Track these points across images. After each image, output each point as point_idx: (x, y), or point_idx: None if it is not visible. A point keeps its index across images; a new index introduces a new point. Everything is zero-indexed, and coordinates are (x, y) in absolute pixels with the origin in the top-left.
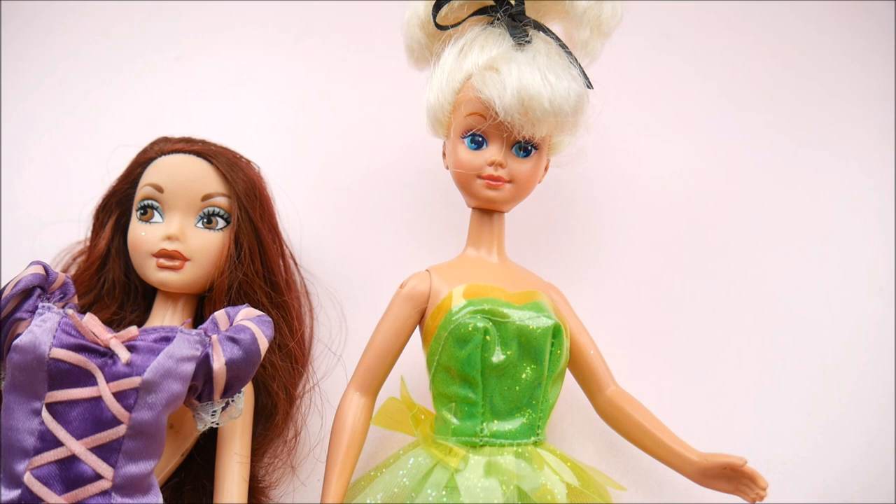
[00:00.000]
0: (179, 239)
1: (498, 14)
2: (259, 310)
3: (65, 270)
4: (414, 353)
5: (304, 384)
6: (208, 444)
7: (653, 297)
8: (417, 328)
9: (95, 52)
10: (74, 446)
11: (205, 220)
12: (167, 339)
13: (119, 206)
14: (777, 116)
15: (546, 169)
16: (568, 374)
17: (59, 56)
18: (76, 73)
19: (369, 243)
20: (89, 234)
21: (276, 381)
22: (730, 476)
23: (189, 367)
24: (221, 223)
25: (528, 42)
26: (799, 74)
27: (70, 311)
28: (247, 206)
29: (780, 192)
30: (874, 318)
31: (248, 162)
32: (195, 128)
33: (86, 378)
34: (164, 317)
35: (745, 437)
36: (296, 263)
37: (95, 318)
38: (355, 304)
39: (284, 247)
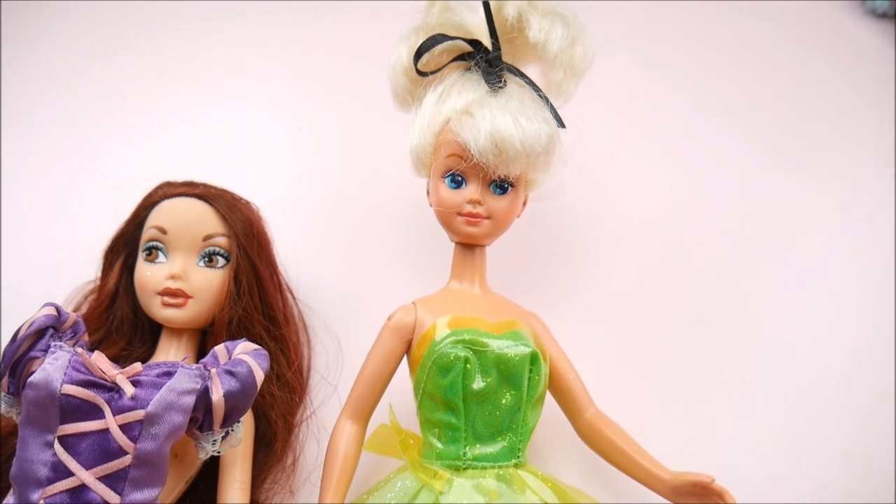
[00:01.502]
0: (182, 278)
1: (475, 60)
2: (258, 343)
3: (76, 308)
4: (403, 380)
5: (301, 413)
6: (211, 471)
7: (635, 323)
8: (405, 357)
9: (101, 97)
10: (84, 476)
11: (206, 260)
12: (169, 374)
13: (126, 247)
14: (761, 142)
15: (525, 204)
16: (551, 398)
17: (65, 104)
18: (83, 122)
19: (364, 276)
20: (99, 274)
21: (274, 410)
22: (700, 493)
23: (190, 400)
24: (222, 262)
25: (502, 87)
26: (785, 99)
27: (80, 350)
28: (245, 245)
29: (764, 217)
30: (855, 339)
31: (248, 203)
32: (198, 171)
33: (94, 412)
34: (168, 351)
35: (728, 454)
36: (294, 297)
37: (103, 355)
38: (351, 335)
39: (282, 282)
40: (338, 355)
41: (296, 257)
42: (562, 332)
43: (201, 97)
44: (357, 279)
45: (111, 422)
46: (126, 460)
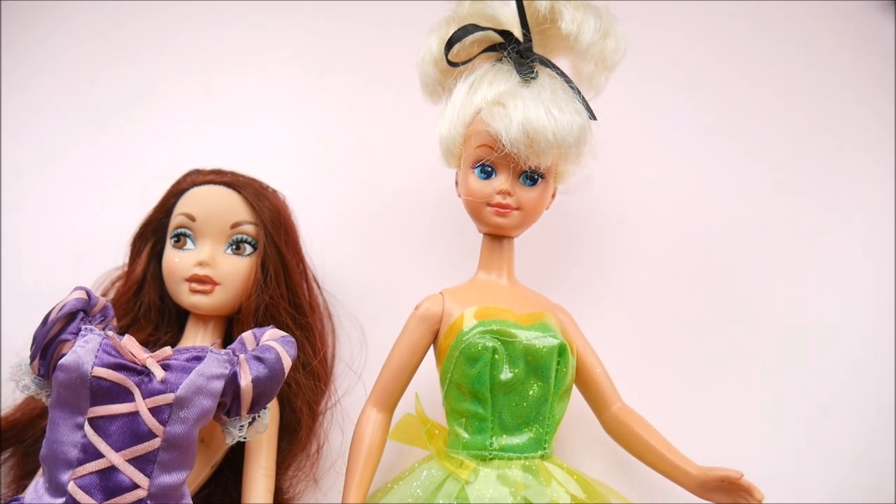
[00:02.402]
0: (210, 265)
1: (506, 51)
2: (284, 331)
3: (104, 294)
4: (429, 371)
5: (326, 401)
6: (237, 458)
7: (659, 317)
8: (431, 347)
9: (129, 88)
10: (114, 458)
11: (234, 247)
12: (199, 359)
13: (154, 234)
14: (792, 141)
15: (553, 196)
16: (577, 392)
17: (95, 93)
18: (112, 110)
19: (389, 267)
20: (127, 261)
21: (299, 397)
22: (727, 489)
23: (218, 385)
24: (249, 249)
25: (534, 78)
26: (809, 103)
27: (110, 333)
28: (272, 234)
29: (788, 217)
30: (875, 337)
31: (275, 191)
32: (225, 159)
33: (124, 394)
34: (195, 337)
35: (751, 451)
36: (319, 287)
37: (133, 339)
38: (375, 325)
39: (308, 271)
40: (362, 345)
41: (321, 247)
42: (588, 325)
43: (229, 88)
44: (381, 270)
45: (141, 405)
46: (155, 443)
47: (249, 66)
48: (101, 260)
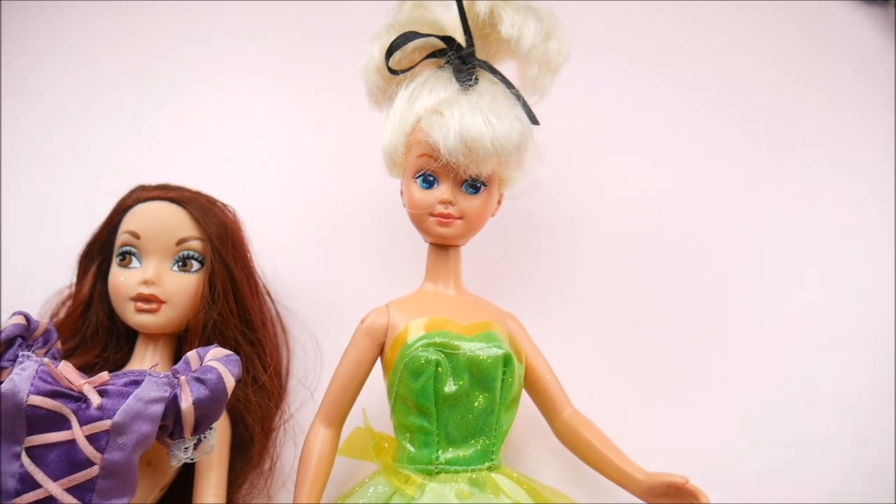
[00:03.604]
0: (156, 283)
1: (448, 57)
2: (234, 347)
3: (54, 315)
4: (381, 384)
5: (279, 417)
6: (188, 477)
7: (615, 321)
8: (379, 360)
9: (76, 99)
10: (51, 487)
11: (180, 264)
12: (137, 383)
13: (100, 252)
14: (746, 135)
15: (499, 202)
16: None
17: (41, 105)
18: (57, 122)
19: (343, 277)
20: (74, 280)
21: (251, 414)
22: (674, 493)
23: (158, 409)
24: (196, 266)
25: (474, 85)
26: (771, 89)
27: (46, 360)
28: (220, 249)
29: (748, 212)
30: (837, 336)
31: (223, 206)
32: (175, 174)
33: (61, 422)
34: (144, 356)
35: (705, 453)
36: (272, 300)
37: (70, 365)
38: (330, 336)
39: (259, 285)
40: (317, 357)
41: (273, 260)
42: (541, 331)
43: (178, 101)
44: (336, 280)
45: (77, 432)
46: (93, 471)
47: (200, 79)
48: (54, 278)
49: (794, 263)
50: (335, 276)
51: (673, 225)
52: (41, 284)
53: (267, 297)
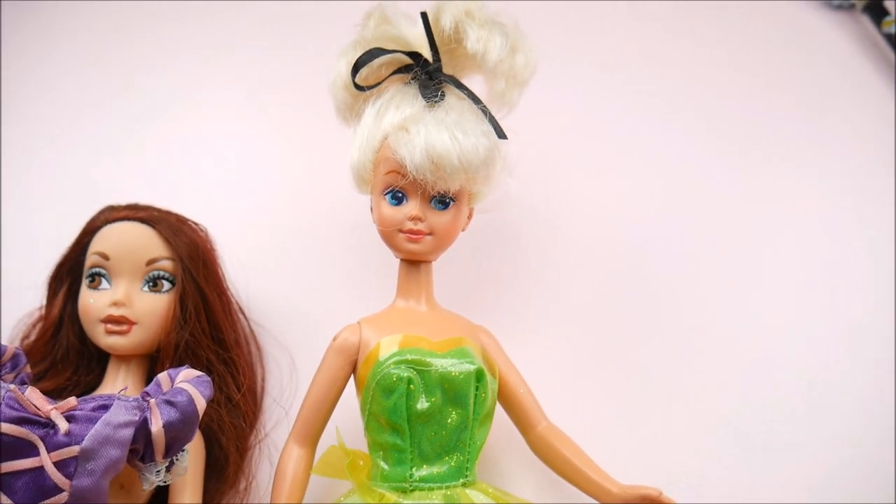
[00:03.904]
0: (126, 304)
1: (414, 72)
2: (207, 367)
3: (25, 337)
4: (355, 401)
5: (255, 436)
6: (164, 500)
7: (589, 334)
8: (352, 378)
9: (45, 123)
10: None
11: (150, 284)
12: (105, 407)
13: (70, 274)
14: (719, 143)
15: (470, 217)
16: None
17: (11, 129)
18: (26, 145)
19: (316, 294)
20: (44, 303)
21: (225, 434)
22: None
23: (127, 433)
24: (167, 286)
25: (440, 100)
26: (743, 97)
27: (13, 387)
28: (190, 268)
29: (722, 222)
30: (810, 348)
31: (194, 225)
32: (145, 194)
33: (29, 449)
34: (116, 378)
35: (681, 464)
36: (245, 318)
37: (37, 391)
38: (305, 353)
39: (232, 303)
40: (292, 374)
41: (246, 277)
42: (515, 344)
43: (146, 121)
44: (310, 297)
45: (45, 459)
46: (62, 497)
47: (168, 98)
48: (22, 300)
49: (775, 271)
50: (309, 292)
51: (648, 234)
52: (9, 308)
53: (240, 315)
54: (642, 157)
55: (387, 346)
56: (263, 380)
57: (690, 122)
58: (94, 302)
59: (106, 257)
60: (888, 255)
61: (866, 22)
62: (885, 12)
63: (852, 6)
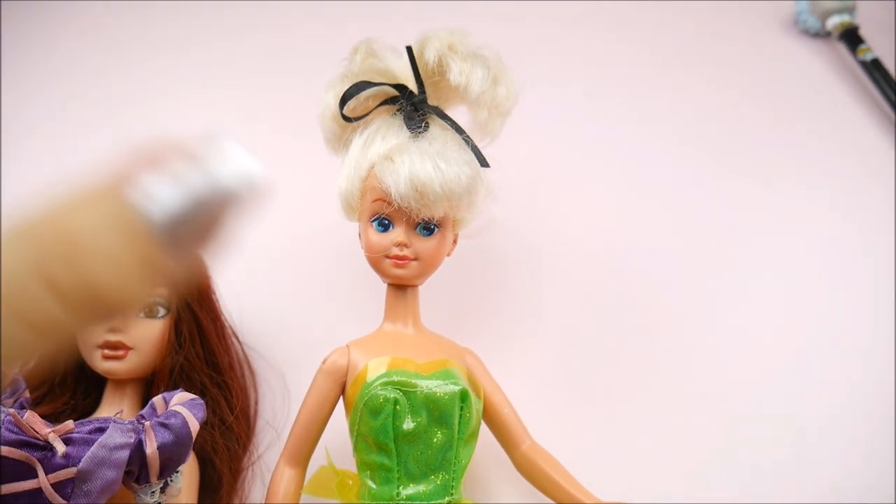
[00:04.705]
0: (122, 330)
1: (400, 104)
2: (201, 391)
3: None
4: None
5: (248, 457)
6: None
7: (576, 353)
8: (342, 399)
9: (34, 141)
10: None
11: (146, 310)
12: (101, 430)
13: None
14: (701, 165)
15: (455, 242)
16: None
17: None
18: (19, 166)
19: (308, 319)
20: None
21: (219, 456)
22: None
23: (123, 455)
24: (162, 311)
25: (424, 131)
26: (725, 121)
27: (12, 411)
28: (185, 294)
29: (704, 242)
30: (801, 365)
31: None
32: None
33: (28, 471)
34: (113, 402)
35: (666, 482)
36: (239, 342)
37: (35, 414)
38: (297, 377)
39: (226, 328)
40: (284, 397)
41: (239, 302)
42: (501, 365)
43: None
44: (301, 322)
45: (43, 481)
46: None
47: (161, 121)
48: None
49: (762, 290)
50: (301, 316)
51: (632, 255)
52: None
53: (234, 340)
54: (624, 179)
55: (374, 368)
56: (256, 402)
57: (672, 144)
58: (90, 328)
59: None
60: (873, 275)
61: (843, 49)
62: (860, 40)
63: (828, 34)
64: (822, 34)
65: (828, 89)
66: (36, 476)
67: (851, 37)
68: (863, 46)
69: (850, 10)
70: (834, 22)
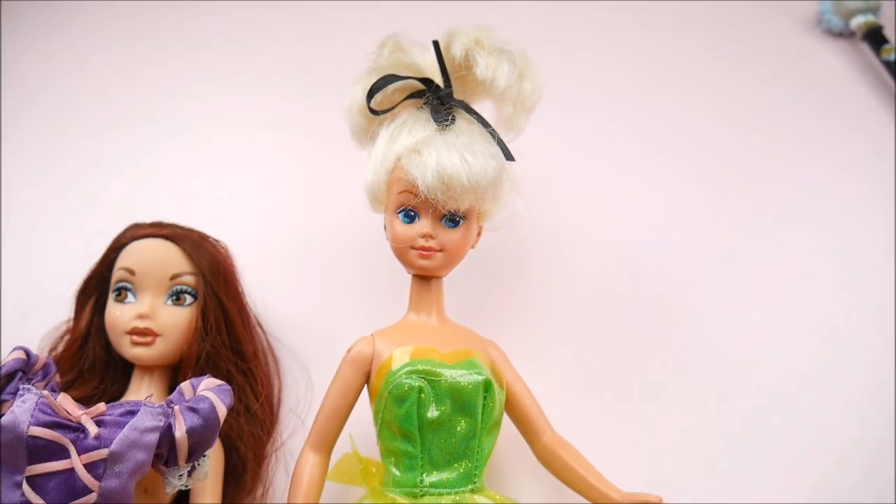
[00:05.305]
0: (150, 317)
1: (426, 97)
2: (227, 378)
3: (52, 349)
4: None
5: (271, 444)
6: None
7: (596, 347)
8: (366, 388)
9: (69, 139)
10: None
11: (174, 298)
12: (132, 413)
13: (97, 288)
14: (720, 166)
15: (479, 235)
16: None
17: (42, 145)
18: (53, 164)
19: (331, 308)
20: (72, 315)
21: (244, 442)
22: None
23: (153, 437)
24: (189, 299)
25: (451, 124)
26: (745, 122)
27: (45, 392)
28: (212, 283)
29: (722, 241)
30: (812, 361)
31: (215, 242)
32: (167, 211)
33: (60, 452)
34: (140, 388)
35: (683, 477)
36: (263, 331)
37: (68, 397)
38: (320, 366)
39: (251, 317)
40: (307, 386)
41: (264, 292)
42: (522, 357)
43: (168, 141)
44: (325, 311)
45: (76, 461)
46: (91, 498)
47: (190, 118)
48: (50, 315)
49: (775, 289)
50: (324, 307)
51: (651, 253)
52: (38, 321)
53: (258, 329)
54: (647, 177)
55: (399, 357)
56: (280, 390)
57: (695, 143)
58: (120, 315)
59: (132, 272)
60: (888, 276)
61: (866, 49)
62: (884, 40)
63: (852, 34)
64: (845, 34)
65: (852, 89)
66: (69, 456)
67: (875, 36)
68: (887, 46)
69: (875, 10)
70: (858, 22)
